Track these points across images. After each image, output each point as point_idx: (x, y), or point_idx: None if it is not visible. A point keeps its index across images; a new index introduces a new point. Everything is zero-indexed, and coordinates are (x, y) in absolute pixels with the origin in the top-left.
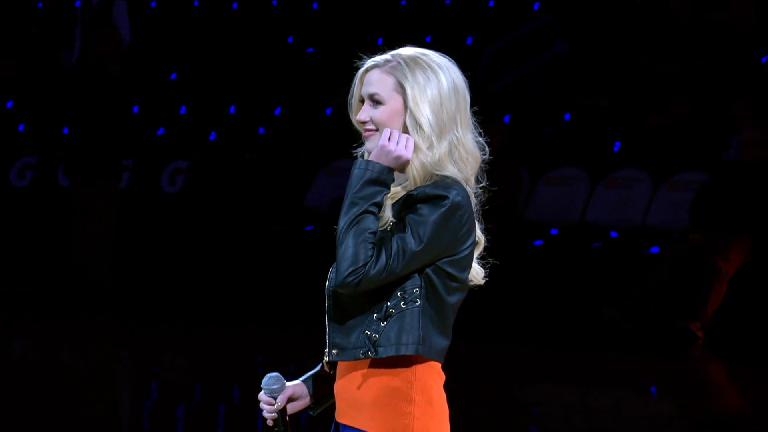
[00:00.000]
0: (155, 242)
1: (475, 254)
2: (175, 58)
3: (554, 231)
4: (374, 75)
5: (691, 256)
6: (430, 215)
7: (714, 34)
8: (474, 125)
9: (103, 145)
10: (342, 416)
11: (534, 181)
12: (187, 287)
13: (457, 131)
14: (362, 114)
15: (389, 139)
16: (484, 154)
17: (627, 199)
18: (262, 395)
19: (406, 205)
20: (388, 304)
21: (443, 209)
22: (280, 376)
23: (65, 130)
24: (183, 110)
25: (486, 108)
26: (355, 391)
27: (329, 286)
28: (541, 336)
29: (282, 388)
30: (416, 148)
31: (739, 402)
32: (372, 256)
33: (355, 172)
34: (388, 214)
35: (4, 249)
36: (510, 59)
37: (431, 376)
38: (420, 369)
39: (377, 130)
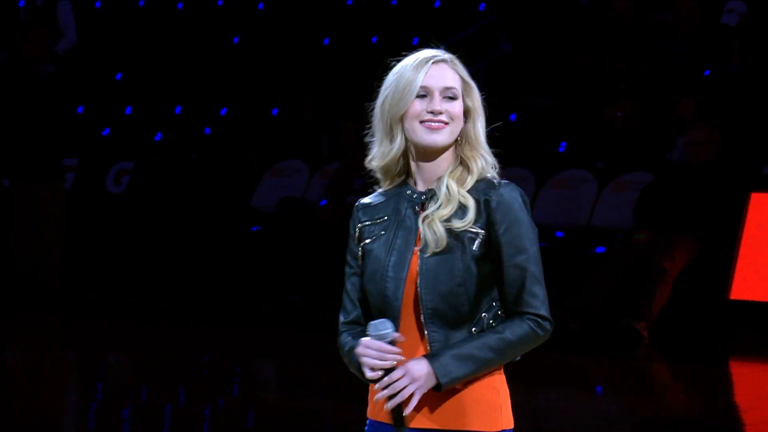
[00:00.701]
0: (100, 243)
1: None
2: (121, 59)
3: None
4: (445, 68)
5: (636, 256)
6: (525, 222)
7: (658, 34)
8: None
9: (41, 146)
10: (419, 421)
11: None
12: (133, 288)
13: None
14: (437, 104)
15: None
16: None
17: (572, 199)
18: (380, 344)
19: (499, 216)
20: (486, 315)
21: (528, 209)
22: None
23: (15, 133)
24: (128, 110)
25: None
26: (436, 392)
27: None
28: None
29: (392, 332)
30: (480, 140)
31: (683, 401)
32: (532, 324)
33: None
34: (470, 204)
35: None
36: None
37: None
38: None
39: (448, 124)
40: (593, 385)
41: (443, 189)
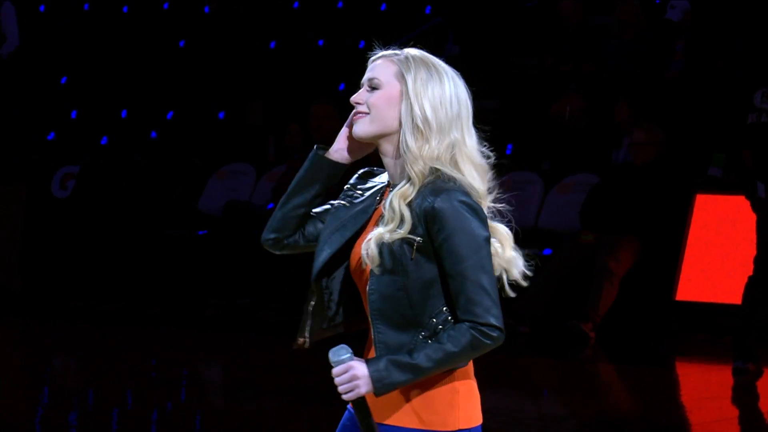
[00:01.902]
0: (46, 247)
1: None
2: (66, 62)
3: None
4: (378, 62)
5: (582, 257)
6: (468, 231)
7: (602, 36)
8: (479, 140)
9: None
10: (379, 416)
11: None
12: (78, 292)
13: (457, 135)
14: (357, 96)
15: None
16: (489, 162)
17: (518, 201)
18: (336, 370)
19: (437, 226)
20: (435, 321)
21: (474, 217)
22: (345, 345)
23: None
24: (74, 114)
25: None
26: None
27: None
28: None
29: (351, 356)
30: (413, 137)
31: (629, 401)
32: (478, 334)
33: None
34: (407, 217)
35: None
36: None
37: (469, 364)
38: None
39: (368, 113)
40: (539, 386)
41: (387, 207)
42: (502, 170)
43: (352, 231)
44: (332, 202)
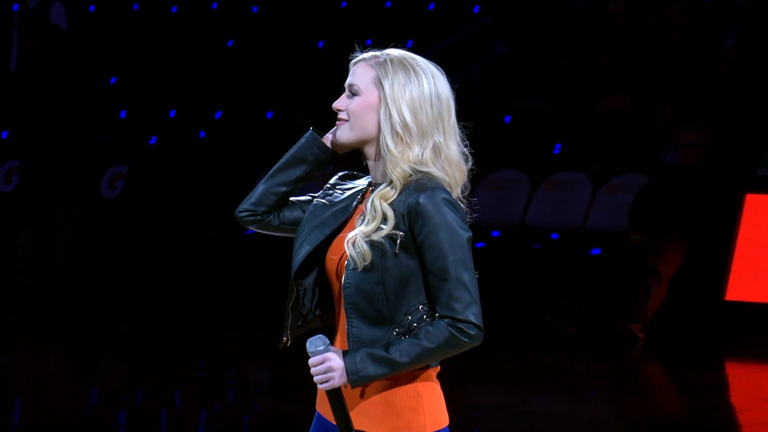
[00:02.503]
0: (94, 247)
1: None
2: (115, 63)
3: (495, 233)
4: (359, 67)
5: (630, 258)
6: (450, 227)
7: (650, 36)
8: (461, 137)
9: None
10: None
11: (474, 184)
12: (127, 292)
13: (439, 137)
14: (337, 102)
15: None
16: (468, 165)
17: (567, 201)
18: (312, 360)
19: (419, 222)
20: (410, 318)
21: (456, 215)
22: (322, 336)
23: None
24: (123, 114)
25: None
26: (358, 392)
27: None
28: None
29: (328, 347)
30: (393, 141)
31: (678, 403)
32: (455, 332)
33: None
34: (390, 215)
35: None
36: (450, 62)
37: (433, 367)
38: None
39: (348, 120)
40: (587, 388)
41: (368, 207)
42: (549, 170)
43: (332, 228)
44: (313, 194)
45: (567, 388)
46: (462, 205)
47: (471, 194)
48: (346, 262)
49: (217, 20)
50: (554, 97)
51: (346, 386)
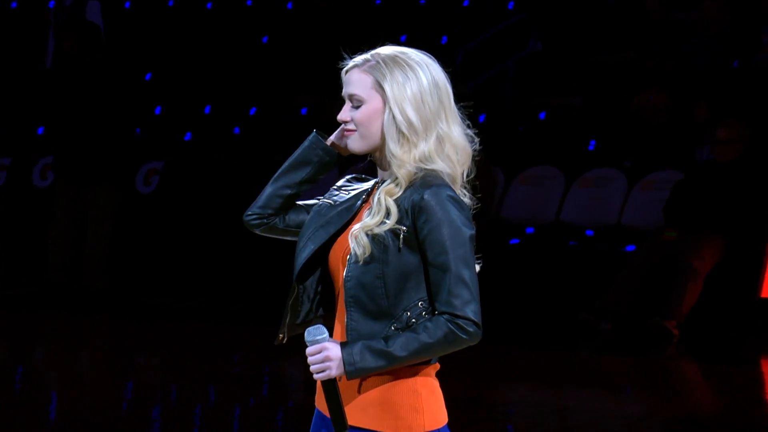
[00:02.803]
0: (129, 243)
1: None
2: (150, 59)
3: (529, 230)
4: (354, 75)
5: (665, 254)
6: (453, 224)
7: (686, 33)
8: (462, 118)
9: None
10: None
11: (509, 180)
12: (161, 287)
13: (443, 126)
14: (343, 114)
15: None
16: (474, 146)
17: (602, 198)
18: (310, 349)
19: (423, 218)
20: (408, 314)
21: (460, 213)
22: (321, 326)
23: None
24: (158, 110)
25: (461, 107)
26: (356, 388)
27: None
28: (515, 335)
29: (326, 337)
30: (397, 144)
31: (713, 400)
32: (455, 328)
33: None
34: (393, 210)
35: None
36: (485, 58)
37: (432, 365)
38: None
39: (356, 130)
40: (621, 385)
41: (375, 201)
42: (584, 166)
43: (336, 228)
44: (319, 197)
45: (602, 385)
46: (467, 201)
47: (506, 191)
48: (348, 256)
49: (252, 16)
50: (589, 94)
51: (340, 379)
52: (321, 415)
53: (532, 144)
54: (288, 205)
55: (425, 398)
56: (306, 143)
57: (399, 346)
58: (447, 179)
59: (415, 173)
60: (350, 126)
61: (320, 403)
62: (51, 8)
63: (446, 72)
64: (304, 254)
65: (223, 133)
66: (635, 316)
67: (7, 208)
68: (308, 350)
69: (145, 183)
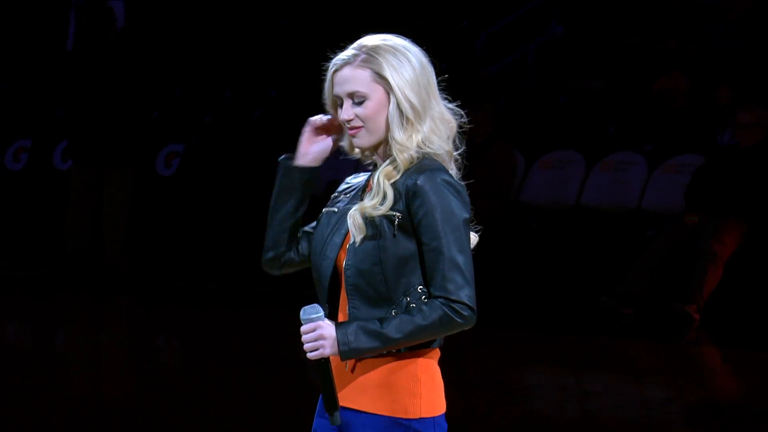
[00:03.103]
0: (150, 225)
1: None
2: (170, 41)
3: (550, 214)
4: (347, 73)
5: (686, 239)
6: (447, 209)
7: (708, 16)
8: (441, 97)
9: (109, 131)
10: (342, 400)
11: (529, 164)
12: (183, 270)
13: (434, 105)
14: (345, 113)
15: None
16: (460, 118)
17: (622, 182)
18: (304, 328)
19: (417, 202)
20: (408, 299)
21: (456, 197)
22: (316, 305)
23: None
24: (178, 93)
25: (481, 91)
26: (357, 372)
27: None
28: (536, 319)
29: (322, 316)
30: (402, 130)
31: (734, 385)
32: (448, 311)
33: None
34: (389, 194)
35: None
36: (505, 42)
37: (434, 352)
38: (422, 346)
39: (363, 126)
40: (642, 369)
41: (374, 182)
42: (604, 150)
43: (342, 235)
44: (325, 209)
45: (622, 370)
46: (463, 186)
47: (526, 175)
48: (348, 245)
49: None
50: (610, 77)
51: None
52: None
53: (552, 128)
54: (294, 234)
55: (425, 384)
56: (279, 173)
57: (393, 328)
58: (446, 157)
59: (417, 157)
60: (356, 123)
61: None
62: None
63: (460, 59)
64: (325, 265)
65: (244, 116)
66: (656, 300)
67: (28, 190)
68: (302, 328)
69: (166, 165)
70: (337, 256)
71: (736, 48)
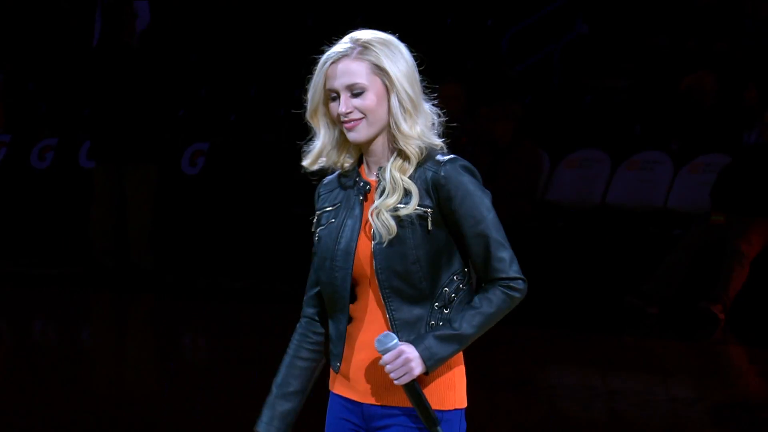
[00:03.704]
0: (176, 224)
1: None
2: (195, 40)
3: (576, 213)
4: (345, 65)
5: (713, 238)
6: (477, 192)
7: (736, 15)
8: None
9: (132, 129)
10: (373, 396)
11: (555, 163)
12: (208, 268)
13: (422, 98)
14: (344, 106)
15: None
16: (440, 117)
17: (648, 181)
18: (388, 357)
19: (448, 193)
20: (447, 290)
21: (477, 179)
22: (389, 332)
23: (108, 115)
24: (203, 92)
25: (507, 90)
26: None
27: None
28: (562, 318)
29: (397, 342)
30: (407, 123)
31: (761, 384)
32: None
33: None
34: (413, 188)
35: (24, 231)
36: (531, 41)
37: None
38: None
39: (364, 117)
40: (668, 368)
41: (387, 178)
42: (630, 149)
43: (355, 240)
44: (318, 230)
45: (648, 369)
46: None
47: (552, 174)
48: (373, 243)
49: None
50: (636, 76)
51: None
52: (343, 402)
53: (578, 127)
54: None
55: (458, 378)
56: None
57: (467, 324)
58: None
59: (425, 148)
60: (355, 115)
61: (340, 388)
62: None
63: (487, 58)
64: (345, 286)
65: (269, 115)
66: (682, 300)
67: (54, 188)
68: (386, 358)
69: (191, 164)
70: (352, 265)
71: (764, 47)
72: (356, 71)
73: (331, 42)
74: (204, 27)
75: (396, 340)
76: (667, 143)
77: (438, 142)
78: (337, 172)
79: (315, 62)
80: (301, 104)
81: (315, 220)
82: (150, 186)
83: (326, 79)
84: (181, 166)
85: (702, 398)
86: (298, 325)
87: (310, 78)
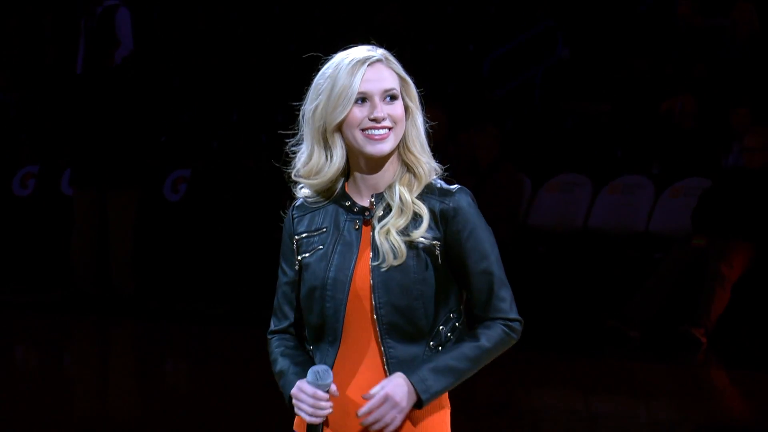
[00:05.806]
0: (158, 250)
1: None
2: (177, 66)
3: (557, 237)
4: (382, 69)
5: (694, 261)
6: (483, 227)
7: (715, 39)
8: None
9: (111, 154)
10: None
11: (536, 187)
12: (189, 294)
13: None
14: (379, 111)
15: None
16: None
17: (629, 204)
18: (316, 392)
19: (457, 226)
20: (443, 328)
21: (480, 213)
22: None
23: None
24: (186, 117)
25: (488, 114)
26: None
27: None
28: (544, 341)
29: (331, 386)
30: (421, 141)
31: (742, 407)
32: (501, 330)
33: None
34: (424, 211)
35: (6, 258)
36: (512, 65)
37: None
38: None
39: (392, 128)
40: (650, 391)
41: (396, 198)
42: (612, 173)
43: (351, 269)
44: (296, 257)
45: (630, 392)
46: None
47: (533, 198)
48: (371, 269)
49: (279, 24)
50: (617, 100)
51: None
52: None
53: (559, 151)
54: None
55: (448, 416)
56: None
57: (464, 358)
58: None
59: (435, 170)
60: (386, 123)
61: (300, 426)
62: (81, 16)
63: (467, 82)
64: (341, 316)
65: (251, 141)
66: (663, 323)
67: (36, 216)
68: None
69: (173, 191)
70: (347, 297)
71: (745, 69)
72: (391, 78)
73: (318, 65)
74: (186, 53)
75: (330, 380)
76: (648, 167)
77: (437, 165)
78: (313, 194)
79: (300, 88)
80: (284, 129)
81: (294, 246)
82: (131, 211)
83: (361, 81)
84: (164, 193)
85: (684, 421)
86: (270, 344)
87: (302, 98)
